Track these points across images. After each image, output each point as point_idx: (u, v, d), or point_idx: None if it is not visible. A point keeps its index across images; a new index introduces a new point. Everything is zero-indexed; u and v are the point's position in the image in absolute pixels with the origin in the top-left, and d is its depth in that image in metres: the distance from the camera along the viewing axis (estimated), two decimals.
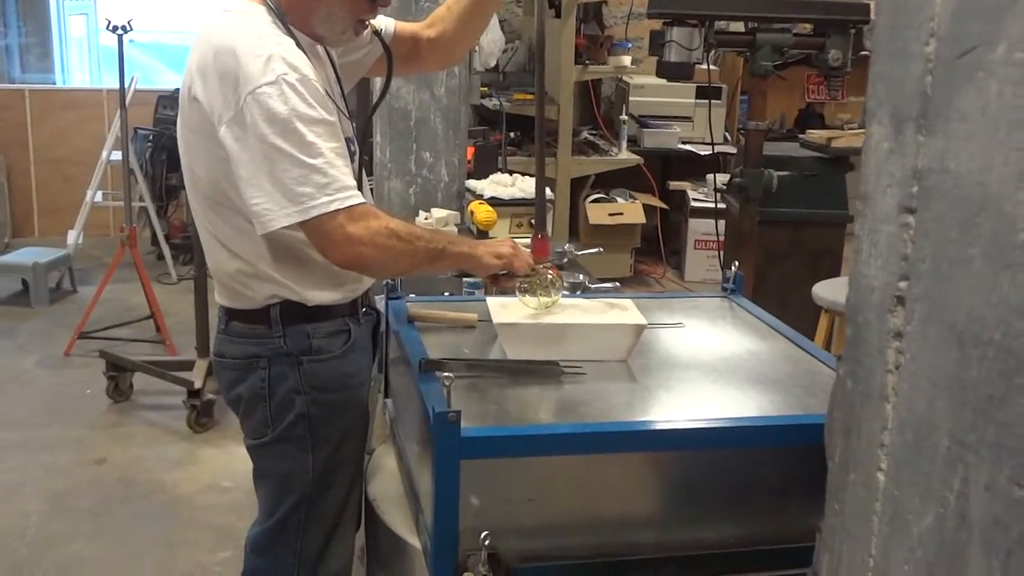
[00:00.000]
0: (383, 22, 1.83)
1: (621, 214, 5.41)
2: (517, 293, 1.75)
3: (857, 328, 0.79)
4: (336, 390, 1.69)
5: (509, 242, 1.74)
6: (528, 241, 2.11)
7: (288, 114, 1.46)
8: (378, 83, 1.82)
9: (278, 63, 1.47)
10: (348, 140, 1.67)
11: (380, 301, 1.92)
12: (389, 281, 1.91)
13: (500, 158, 4.24)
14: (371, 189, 3.91)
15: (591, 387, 1.57)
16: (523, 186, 3.38)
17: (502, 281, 1.73)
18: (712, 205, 4.25)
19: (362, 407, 1.77)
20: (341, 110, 1.65)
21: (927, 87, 0.73)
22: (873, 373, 0.76)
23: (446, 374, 1.37)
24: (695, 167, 5.74)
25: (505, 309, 1.74)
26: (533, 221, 3.27)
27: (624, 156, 5.50)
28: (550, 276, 1.75)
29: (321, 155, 1.48)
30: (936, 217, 0.72)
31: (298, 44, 1.54)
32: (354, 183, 1.52)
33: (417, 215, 3.32)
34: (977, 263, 0.67)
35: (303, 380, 1.66)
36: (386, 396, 1.97)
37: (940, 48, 0.72)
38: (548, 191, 3.42)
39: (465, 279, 2.25)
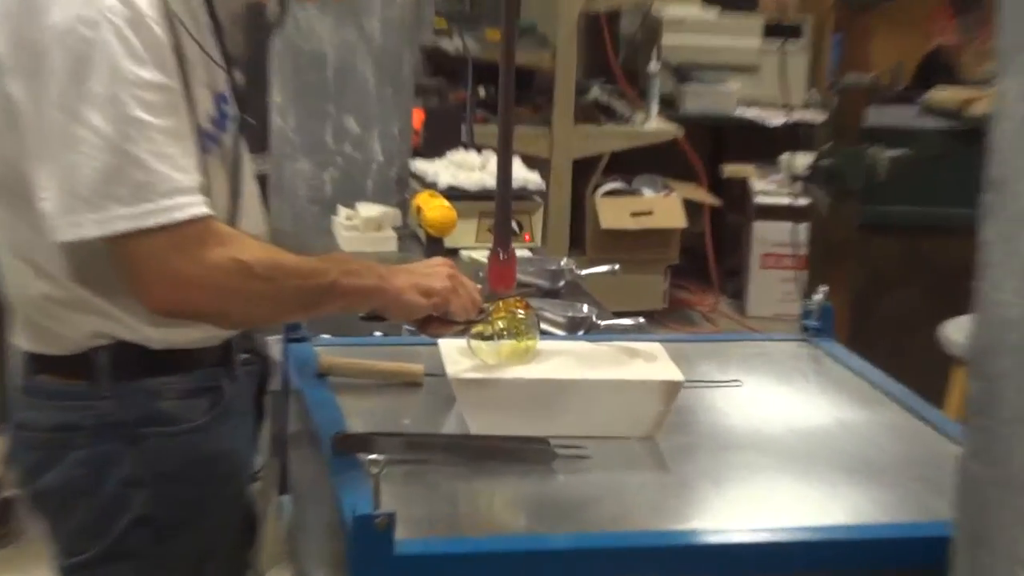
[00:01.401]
0: None
1: (650, 213, 5.43)
2: (467, 339, 1.75)
3: (988, 383, 0.80)
4: (196, 481, 1.69)
5: (445, 267, 1.75)
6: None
7: (105, 72, 1.48)
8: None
9: None
10: (219, 98, 1.68)
11: (273, 343, 1.92)
12: None
13: (464, 128, 4.25)
14: (261, 176, 3.90)
15: (599, 479, 1.57)
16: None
17: (433, 326, 1.74)
18: (788, 201, 4.28)
19: (238, 508, 1.77)
20: (209, 54, 1.66)
21: None
22: (1013, 452, 0.77)
23: (374, 457, 1.37)
24: (762, 143, 5.78)
25: (467, 357, 1.74)
26: (513, 223, 3.29)
27: (655, 126, 5.53)
28: (519, 315, 1.76)
29: (147, 138, 1.49)
30: None
31: None
32: (194, 183, 1.53)
33: (336, 213, 3.33)
34: None
35: (144, 465, 1.66)
36: (282, 492, 1.97)
37: None
38: (534, 177, 3.45)
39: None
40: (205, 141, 1.62)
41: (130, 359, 1.65)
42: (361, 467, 1.46)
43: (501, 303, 1.78)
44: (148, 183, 1.49)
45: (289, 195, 3.49)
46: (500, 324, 1.75)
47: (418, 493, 1.50)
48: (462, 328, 1.75)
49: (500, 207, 2.01)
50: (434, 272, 1.73)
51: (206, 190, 1.57)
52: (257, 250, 1.59)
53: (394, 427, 1.67)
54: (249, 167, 1.79)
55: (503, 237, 2.00)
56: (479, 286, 1.82)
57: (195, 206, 1.52)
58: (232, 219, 1.68)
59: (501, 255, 1.98)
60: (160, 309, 1.57)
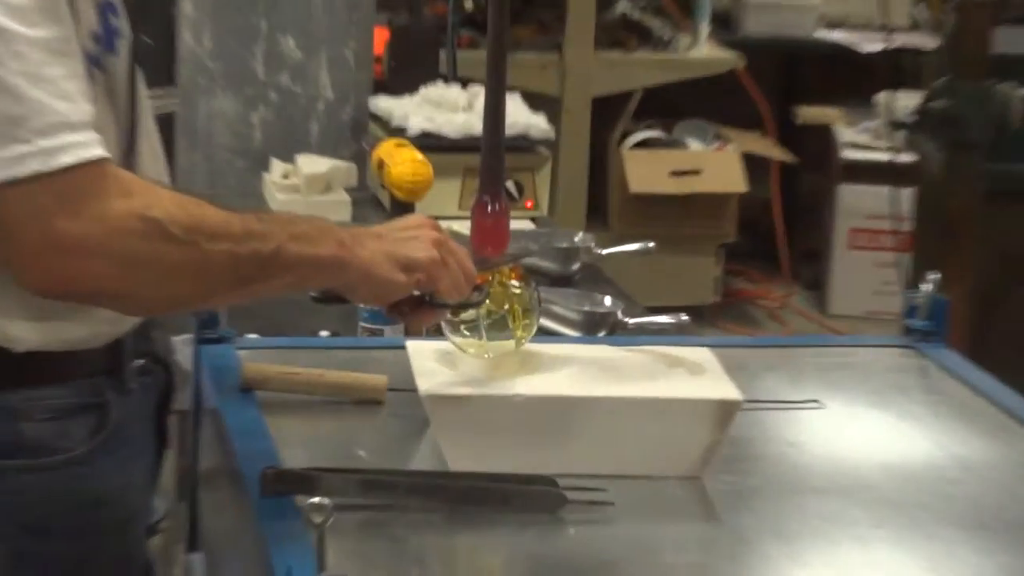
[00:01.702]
0: None
1: (697, 173, 5.43)
2: (444, 327, 1.76)
3: None
4: (72, 533, 1.70)
5: (429, 229, 1.73)
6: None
7: None
8: None
9: None
10: (105, 8, 1.68)
11: (181, 345, 1.93)
12: None
13: (444, 53, 4.25)
14: (163, 117, 3.84)
15: (624, 533, 1.58)
16: None
17: (419, 314, 1.72)
18: (886, 157, 4.26)
19: (131, 571, 1.78)
20: None
21: None
22: None
23: (316, 501, 1.37)
24: (851, 77, 5.79)
25: (443, 364, 1.74)
26: (510, 184, 3.27)
27: (705, 54, 5.53)
28: (514, 289, 1.77)
29: (15, 54, 1.49)
30: None
31: None
32: (84, 115, 1.53)
33: (268, 169, 3.33)
34: None
35: (0, 511, 1.66)
36: (191, 548, 1.97)
37: None
38: (539, 121, 3.43)
39: (360, 307, 2.26)
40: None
41: None
42: (300, 515, 1.43)
43: (492, 275, 1.78)
44: (19, 116, 1.49)
45: (204, 144, 3.50)
46: (487, 302, 1.76)
47: (377, 551, 1.50)
48: (451, 313, 1.75)
49: (488, 144, 1.99)
50: (415, 236, 1.71)
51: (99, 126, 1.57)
52: (173, 204, 1.58)
53: (345, 461, 1.66)
54: (146, 105, 1.78)
55: (492, 183, 1.98)
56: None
57: (86, 147, 1.51)
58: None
59: (489, 207, 1.96)
60: (43, 287, 1.56)
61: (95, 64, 1.65)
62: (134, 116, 1.72)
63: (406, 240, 1.70)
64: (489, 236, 1.93)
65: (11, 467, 1.66)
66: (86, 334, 1.70)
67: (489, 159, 1.97)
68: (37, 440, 1.67)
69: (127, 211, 1.53)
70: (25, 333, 1.65)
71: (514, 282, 1.79)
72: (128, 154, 1.70)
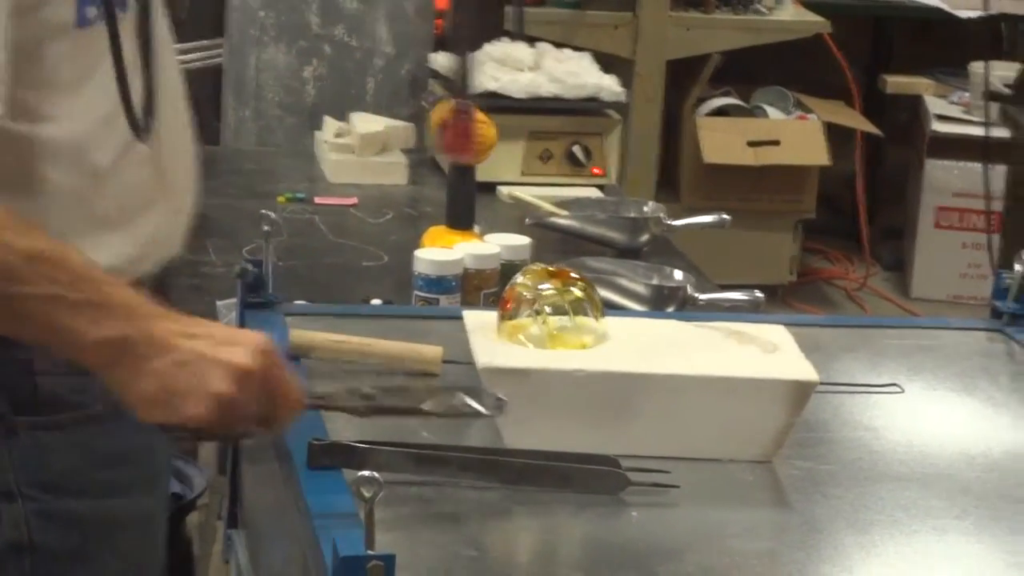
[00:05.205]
0: None
1: (776, 144, 5.41)
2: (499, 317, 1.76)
3: None
4: (95, 492, 1.71)
5: (253, 345, 1.53)
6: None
7: None
8: None
9: None
10: None
11: (225, 309, 1.93)
12: (247, 265, 1.92)
13: (510, 9, 4.24)
14: (209, 68, 3.84)
15: (689, 518, 1.58)
16: (565, 70, 3.39)
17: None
18: (979, 131, 4.24)
19: (158, 543, 1.80)
20: None
21: None
22: None
23: (365, 475, 1.38)
24: (945, 44, 5.74)
25: (502, 337, 1.75)
26: (577, 149, 3.28)
27: (789, 16, 5.49)
28: (574, 292, 1.76)
29: None
30: None
31: None
32: None
33: (320, 127, 3.34)
34: None
35: (18, 469, 1.67)
36: (231, 524, 1.99)
37: None
38: (610, 84, 3.43)
39: None
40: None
41: None
42: (348, 490, 1.46)
43: (550, 280, 1.78)
44: None
45: (253, 99, 3.50)
46: (547, 308, 1.76)
47: (429, 529, 1.51)
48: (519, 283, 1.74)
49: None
50: (233, 343, 1.54)
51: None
52: None
53: (397, 435, 1.65)
54: (169, 55, 1.79)
55: (460, 81, 1.96)
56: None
57: None
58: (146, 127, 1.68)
59: (459, 111, 1.92)
60: None
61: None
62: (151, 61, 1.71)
63: (219, 345, 1.53)
64: (455, 139, 1.90)
65: (27, 423, 1.67)
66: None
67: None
68: (54, 395, 1.68)
69: None
70: None
71: (574, 287, 1.78)
72: (148, 102, 1.70)
